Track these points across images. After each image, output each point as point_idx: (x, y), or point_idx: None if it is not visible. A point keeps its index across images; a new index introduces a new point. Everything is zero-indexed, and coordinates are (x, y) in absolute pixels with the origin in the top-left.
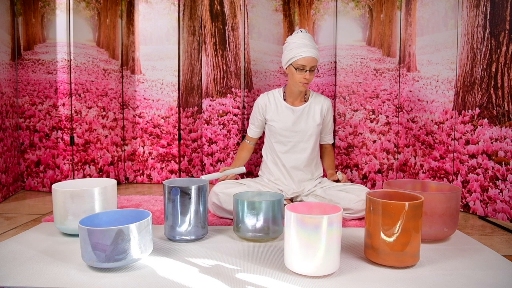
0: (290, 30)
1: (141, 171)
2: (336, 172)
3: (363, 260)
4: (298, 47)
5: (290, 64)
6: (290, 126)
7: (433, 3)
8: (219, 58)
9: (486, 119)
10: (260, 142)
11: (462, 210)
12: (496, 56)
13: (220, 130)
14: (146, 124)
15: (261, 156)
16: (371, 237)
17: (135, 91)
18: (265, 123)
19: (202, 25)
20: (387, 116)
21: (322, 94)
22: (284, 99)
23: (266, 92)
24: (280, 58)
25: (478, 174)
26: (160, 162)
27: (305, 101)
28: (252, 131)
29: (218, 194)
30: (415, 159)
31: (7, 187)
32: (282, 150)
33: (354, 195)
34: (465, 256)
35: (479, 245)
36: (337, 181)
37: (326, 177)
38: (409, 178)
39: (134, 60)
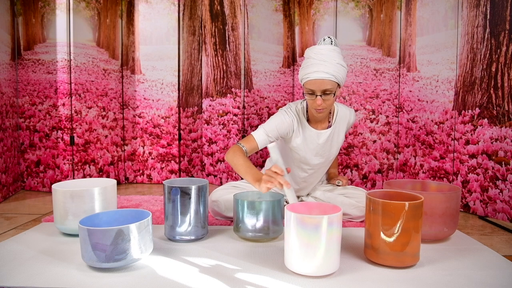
0: (290, 30)
1: (141, 171)
2: (337, 181)
3: (363, 260)
4: (308, 65)
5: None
6: (315, 154)
7: (433, 3)
8: (219, 58)
9: (486, 119)
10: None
11: (462, 210)
12: (496, 56)
13: (220, 130)
14: (146, 124)
15: (261, 157)
16: (371, 237)
17: (135, 91)
18: (284, 142)
19: (202, 25)
20: (387, 116)
21: None
22: (307, 119)
23: (290, 106)
24: (281, 58)
25: (478, 174)
26: (160, 162)
27: (329, 121)
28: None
29: (217, 201)
30: (415, 159)
31: (7, 187)
32: (301, 176)
33: (354, 201)
34: (465, 256)
35: (479, 245)
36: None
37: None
38: (409, 178)
39: (134, 60)
